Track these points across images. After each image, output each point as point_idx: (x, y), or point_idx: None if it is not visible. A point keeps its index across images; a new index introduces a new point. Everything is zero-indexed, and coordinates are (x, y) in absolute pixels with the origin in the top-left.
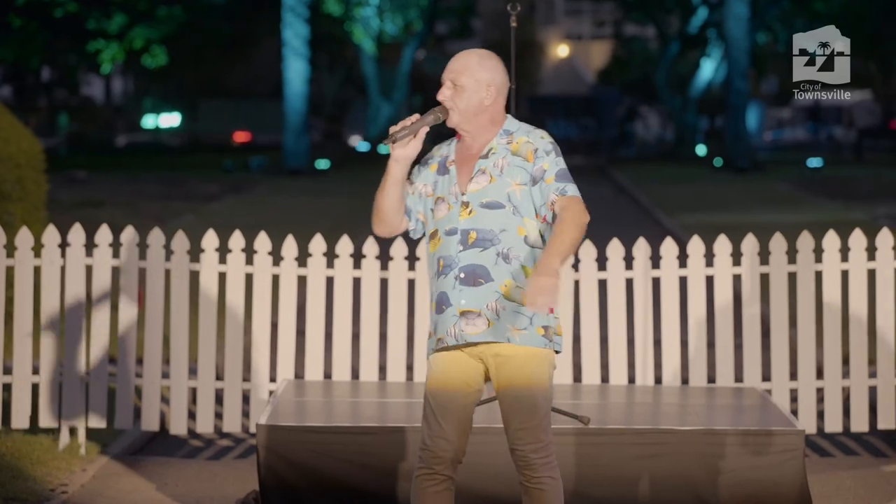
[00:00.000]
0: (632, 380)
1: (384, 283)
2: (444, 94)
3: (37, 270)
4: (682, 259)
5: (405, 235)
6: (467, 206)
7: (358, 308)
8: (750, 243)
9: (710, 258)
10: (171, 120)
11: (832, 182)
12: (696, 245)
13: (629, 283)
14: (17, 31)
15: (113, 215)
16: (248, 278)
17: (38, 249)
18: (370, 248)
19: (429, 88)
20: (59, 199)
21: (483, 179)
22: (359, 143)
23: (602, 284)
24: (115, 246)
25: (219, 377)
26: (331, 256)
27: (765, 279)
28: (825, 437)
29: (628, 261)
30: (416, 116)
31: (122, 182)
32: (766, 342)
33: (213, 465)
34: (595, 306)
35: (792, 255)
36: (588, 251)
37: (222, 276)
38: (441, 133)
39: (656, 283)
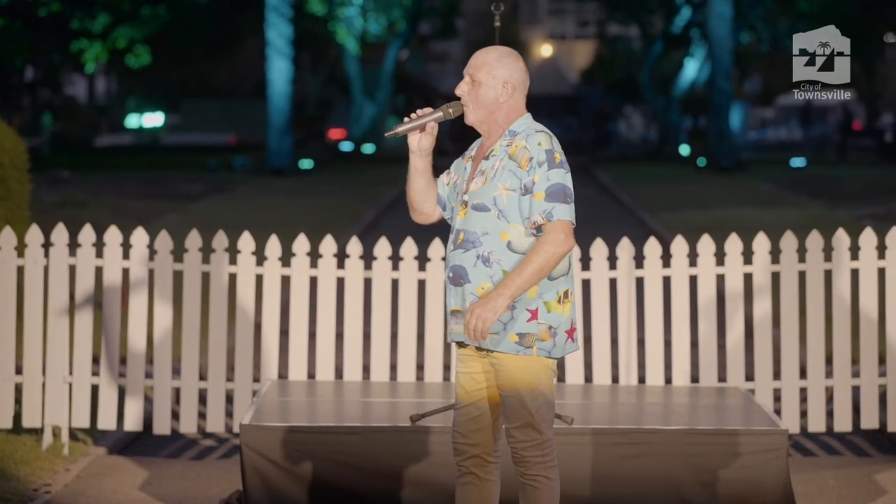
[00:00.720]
0: (615, 379)
1: (368, 283)
2: (461, 89)
3: (20, 270)
4: (666, 259)
5: (390, 235)
6: (465, 206)
7: (342, 308)
8: (733, 243)
9: (693, 258)
10: (154, 119)
11: (815, 181)
12: (679, 245)
13: (613, 282)
14: (0, 30)
15: (96, 215)
16: (232, 278)
17: (21, 249)
18: (354, 247)
19: (412, 88)
20: (43, 198)
21: (480, 181)
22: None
23: (586, 284)
24: (99, 246)
25: (202, 377)
26: (314, 256)
27: (748, 279)
28: (808, 436)
29: (612, 260)
30: (427, 110)
31: (106, 182)
32: (749, 342)
33: (196, 465)
34: (579, 306)
35: (776, 254)
36: (572, 251)
37: (206, 276)
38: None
39: (640, 282)
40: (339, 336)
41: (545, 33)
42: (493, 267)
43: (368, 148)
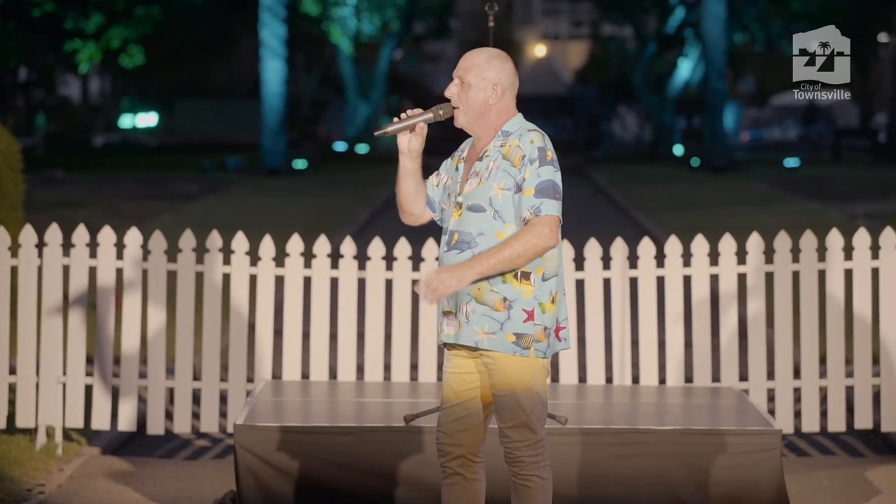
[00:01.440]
0: (609, 380)
1: (362, 284)
2: (451, 91)
3: (14, 270)
4: (660, 259)
5: (384, 235)
6: (459, 207)
7: (335, 308)
8: (727, 243)
9: (687, 258)
10: (148, 120)
11: (809, 182)
12: (673, 245)
13: (606, 283)
14: None
15: (90, 215)
16: (226, 278)
17: (14, 249)
18: (348, 248)
19: (406, 88)
20: (37, 198)
21: (475, 182)
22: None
23: (580, 284)
24: (93, 246)
25: (196, 377)
26: (308, 256)
27: (742, 279)
28: (802, 436)
29: (606, 261)
30: (417, 111)
31: (100, 182)
32: (743, 342)
33: (190, 465)
34: (573, 306)
35: (769, 255)
36: (565, 251)
37: (199, 277)
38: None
39: (634, 282)
40: (333, 336)
41: (539, 33)
42: None
43: (362, 148)
